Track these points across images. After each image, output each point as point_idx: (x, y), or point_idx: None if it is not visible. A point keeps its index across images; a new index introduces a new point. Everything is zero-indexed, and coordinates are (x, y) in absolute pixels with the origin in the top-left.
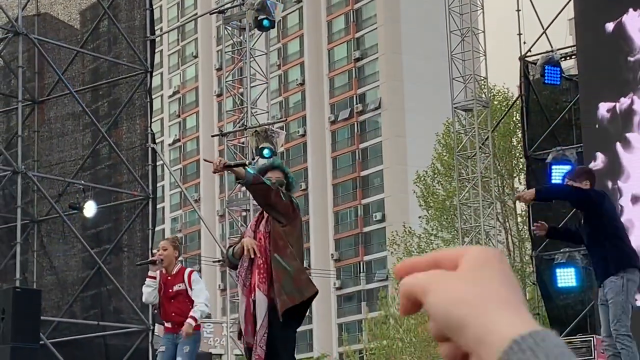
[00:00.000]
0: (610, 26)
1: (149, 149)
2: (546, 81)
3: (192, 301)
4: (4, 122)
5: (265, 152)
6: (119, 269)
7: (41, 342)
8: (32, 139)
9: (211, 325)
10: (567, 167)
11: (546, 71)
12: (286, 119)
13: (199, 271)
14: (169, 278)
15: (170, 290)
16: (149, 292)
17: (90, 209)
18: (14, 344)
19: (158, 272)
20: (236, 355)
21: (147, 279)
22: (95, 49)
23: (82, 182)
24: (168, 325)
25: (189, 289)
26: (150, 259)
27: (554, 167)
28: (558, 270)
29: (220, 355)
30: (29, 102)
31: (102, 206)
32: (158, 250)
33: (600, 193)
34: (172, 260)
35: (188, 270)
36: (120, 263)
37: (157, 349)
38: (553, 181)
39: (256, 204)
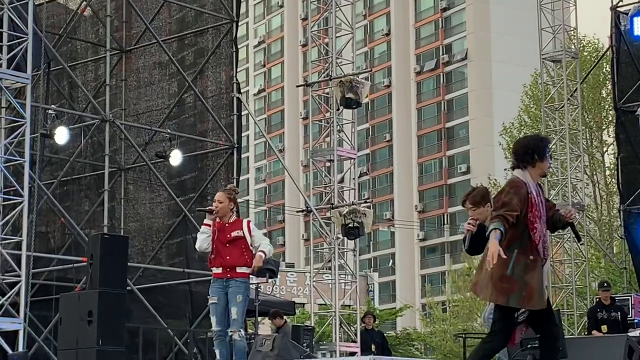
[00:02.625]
0: None
1: (234, 98)
2: (634, 33)
3: (248, 248)
4: (93, 71)
5: (350, 102)
6: (203, 217)
7: (128, 287)
8: (119, 87)
9: (294, 275)
10: None
11: (634, 23)
12: (371, 70)
13: (283, 221)
14: (227, 225)
15: (229, 236)
16: (204, 238)
17: (176, 157)
18: (102, 289)
19: (212, 220)
20: (319, 304)
21: (203, 226)
22: None
23: (169, 130)
24: (218, 270)
25: (248, 236)
26: (208, 207)
27: None
28: None
29: (303, 304)
30: (116, 51)
31: (187, 155)
32: (214, 202)
33: None
34: (227, 211)
35: (246, 220)
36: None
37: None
38: None
39: (342, 154)
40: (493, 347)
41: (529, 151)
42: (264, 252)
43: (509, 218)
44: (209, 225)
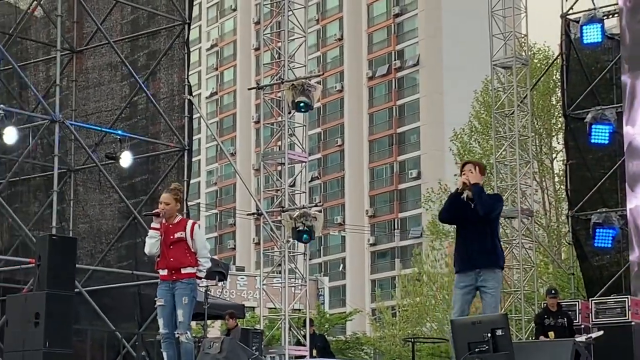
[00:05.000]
0: None
1: (186, 100)
2: (584, 41)
3: (190, 250)
4: (44, 72)
5: (302, 105)
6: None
7: (76, 289)
8: (70, 88)
9: (245, 278)
10: (607, 127)
11: (584, 31)
12: (323, 74)
13: (234, 224)
14: (170, 226)
15: (172, 237)
16: (152, 243)
17: (126, 159)
18: (50, 290)
19: (159, 224)
20: (269, 308)
21: (150, 230)
22: (134, 0)
23: (119, 132)
24: (164, 273)
25: (189, 238)
26: (155, 211)
27: (594, 126)
28: (596, 231)
29: (253, 308)
30: (67, 51)
31: (138, 157)
32: (160, 204)
33: None
34: (174, 213)
35: (191, 221)
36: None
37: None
38: (593, 140)
39: (293, 158)
40: None
41: None
42: (199, 277)
43: None
44: (157, 229)
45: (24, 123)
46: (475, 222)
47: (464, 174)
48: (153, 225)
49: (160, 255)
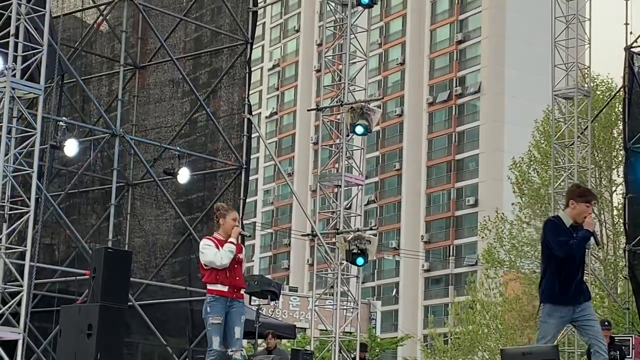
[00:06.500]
0: None
1: (245, 119)
2: None
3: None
4: (106, 86)
5: (358, 129)
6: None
7: (129, 303)
8: (131, 103)
9: (297, 299)
10: None
11: None
12: (383, 98)
13: (288, 244)
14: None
15: (238, 257)
16: (231, 256)
17: (184, 175)
18: (103, 302)
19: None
20: (320, 330)
21: (231, 245)
22: (198, 19)
23: (178, 148)
24: (225, 289)
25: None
26: (240, 231)
27: None
28: None
29: (305, 329)
30: (130, 67)
31: (195, 173)
32: (235, 220)
33: None
34: None
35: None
36: (211, 231)
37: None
38: None
39: (350, 180)
40: None
41: None
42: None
43: None
44: (235, 245)
45: (85, 136)
46: (583, 259)
47: (589, 214)
48: (232, 240)
49: (228, 272)
